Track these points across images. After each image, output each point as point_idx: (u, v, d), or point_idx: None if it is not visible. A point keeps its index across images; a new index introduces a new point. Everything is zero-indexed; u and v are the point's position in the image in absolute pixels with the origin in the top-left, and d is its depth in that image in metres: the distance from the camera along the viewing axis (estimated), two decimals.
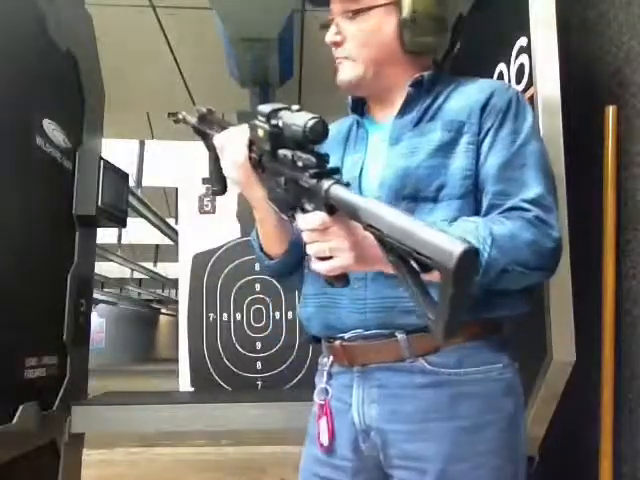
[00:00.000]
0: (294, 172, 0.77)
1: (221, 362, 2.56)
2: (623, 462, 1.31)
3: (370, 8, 0.96)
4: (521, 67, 1.41)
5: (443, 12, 0.99)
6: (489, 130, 0.92)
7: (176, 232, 6.90)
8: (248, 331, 2.60)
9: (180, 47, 3.31)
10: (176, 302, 2.98)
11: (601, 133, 1.38)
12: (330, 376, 0.98)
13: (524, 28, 1.37)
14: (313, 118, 0.71)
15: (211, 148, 1.04)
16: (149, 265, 12.87)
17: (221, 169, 0.99)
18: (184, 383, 2.58)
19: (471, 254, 0.58)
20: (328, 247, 0.75)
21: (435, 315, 0.61)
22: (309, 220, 0.76)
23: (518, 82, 1.43)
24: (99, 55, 2.14)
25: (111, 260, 10.83)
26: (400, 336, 0.89)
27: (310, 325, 1.01)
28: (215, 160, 1.02)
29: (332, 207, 0.73)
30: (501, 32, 1.55)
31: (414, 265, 0.63)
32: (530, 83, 1.35)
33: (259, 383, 2.54)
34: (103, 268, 12.23)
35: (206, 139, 1.07)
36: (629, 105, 1.35)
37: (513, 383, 0.92)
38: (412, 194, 0.92)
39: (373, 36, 0.97)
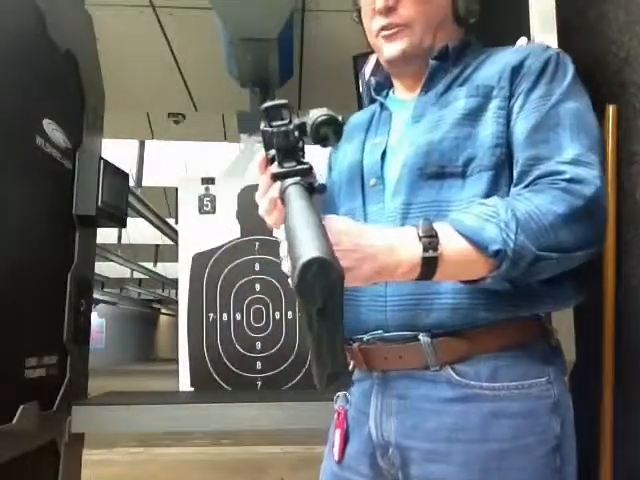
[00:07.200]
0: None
1: (221, 362, 2.55)
2: (623, 462, 1.31)
3: None
4: None
5: None
6: (520, 93, 0.83)
7: (176, 232, 6.89)
8: (248, 331, 2.59)
9: (180, 47, 3.30)
10: (176, 302, 2.98)
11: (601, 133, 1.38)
12: (352, 382, 0.90)
13: (524, 28, 1.37)
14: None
15: None
16: (149, 265, 12.86)
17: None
18: (184, 383, 2.57)
19: (312, 267, 0.47)
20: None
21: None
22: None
23: None
24: (99, 55, 2.14)
25: (111, 260, 10.83)
26: (423, 339, 0.78)
27: None
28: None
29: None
30: (501, 32, 1.55)
31: None
32: None
33: (259, 383, 2.54)
34: (103, 268, 12.22)
35: None
36: (629, 105, 1.34)
37: (561, 401, 0.79)
38: (437, 171, 0.83)
39: None
